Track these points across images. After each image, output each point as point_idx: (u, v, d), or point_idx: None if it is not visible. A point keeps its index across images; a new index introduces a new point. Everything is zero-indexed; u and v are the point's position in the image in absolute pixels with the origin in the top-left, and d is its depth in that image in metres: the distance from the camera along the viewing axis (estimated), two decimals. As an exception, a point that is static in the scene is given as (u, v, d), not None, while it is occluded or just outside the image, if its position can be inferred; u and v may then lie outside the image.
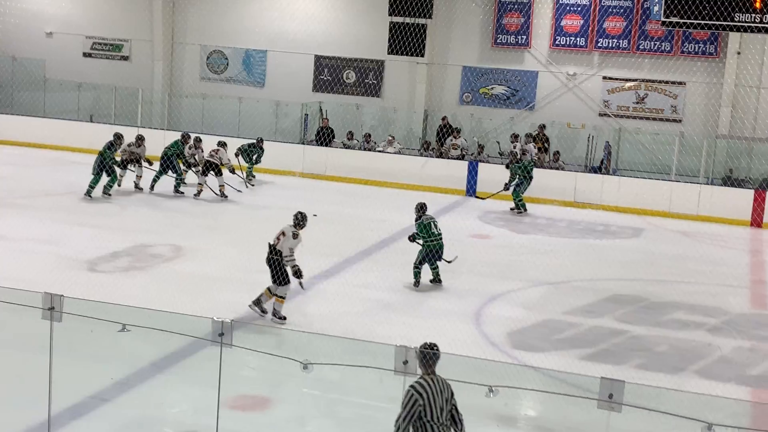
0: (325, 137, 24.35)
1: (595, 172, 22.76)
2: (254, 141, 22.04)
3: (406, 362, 5.98)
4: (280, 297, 11.26)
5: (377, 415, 8.20)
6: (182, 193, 19.72)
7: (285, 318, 11.21)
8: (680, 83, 23.86)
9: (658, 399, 8.00)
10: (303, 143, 24.74)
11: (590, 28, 24.36)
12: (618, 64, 24.39)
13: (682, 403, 8.16)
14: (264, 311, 11.35)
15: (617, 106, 24.47)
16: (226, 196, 19.51)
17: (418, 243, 13.51)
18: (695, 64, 23.68)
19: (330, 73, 26.89)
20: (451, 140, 23.79)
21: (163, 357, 9.52)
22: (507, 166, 20.48)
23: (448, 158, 23.43)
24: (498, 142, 23.71)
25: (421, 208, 13.83)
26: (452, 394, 6.42)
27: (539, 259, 16.13)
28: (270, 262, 11.24)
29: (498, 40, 25.32)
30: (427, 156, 23.69)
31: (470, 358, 8.73)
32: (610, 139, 23.61)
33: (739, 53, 22.87)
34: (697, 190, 21.34)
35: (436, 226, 13.48)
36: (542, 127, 23.85)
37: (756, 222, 20.60)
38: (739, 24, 19.24)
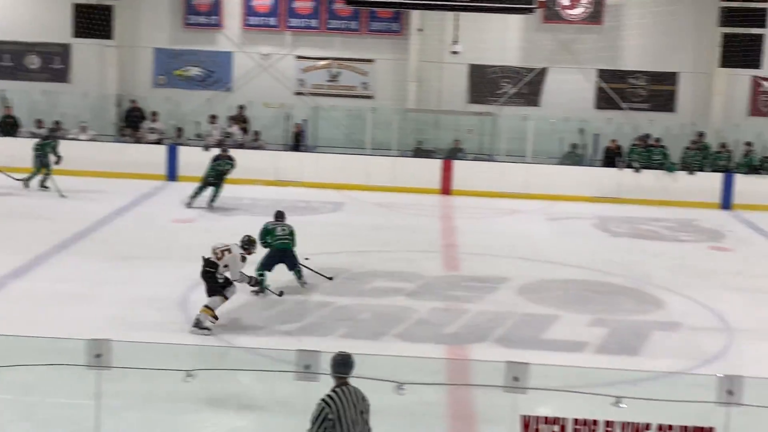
0: (9, 127, 22.92)
1: (294, 150, 23.16)
2: None
3: (99, 355, 5.72)
4: (209, 309, 11.01)
5: (78, 414, 7.89)
6: None
7: (210, 329, 10.92)
8: (369, 60, 24.76)
9: (360, 365, 8.37)
10: (-15, 135, 23.08)
11: (281, 8, 24.61)
12: (310, 43, 24.86)
13: (383, 366, 8.59)
14: (209, 329, 10.95)
15: (312, 84, 24.96)
16: None
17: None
18: (382, 41, 24.65)
19: (12, 59, 25.25)
20: (148, 124, 23.24)
21: None
22: (206, 148, 20.38)
23: (147, 143, 22.90)
24: (198, 123, 23.54)
25: (278, 215, 13.45)
26: (368, 407, 5.98)
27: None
28: (206, 275, 11.14)
29: (189, 21, 24.93)
30: (123, 142, 22.97)
31: (175, 345, 8.66)
32: (307, 117, 24.09)
33: (420, 30, 24.07)
34: (391, 163, 22.37)
35: (283, 229, 13.05)
36: (241, 107, 23.88)
37: (445, 189, 21.97)
38: (417, 2, 20.36)
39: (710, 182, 21.87)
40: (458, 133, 23.85)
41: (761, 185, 21.72)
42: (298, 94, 24.90)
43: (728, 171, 22.02)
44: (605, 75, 24.46)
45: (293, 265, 12.95)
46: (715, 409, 5.18)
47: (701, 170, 22.11)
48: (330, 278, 13.38)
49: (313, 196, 20.73)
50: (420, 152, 23.32)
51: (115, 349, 6.05)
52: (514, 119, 23.40)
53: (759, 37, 21.77)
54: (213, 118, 23.22)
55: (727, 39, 21.89)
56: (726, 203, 21.73)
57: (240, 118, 23.72)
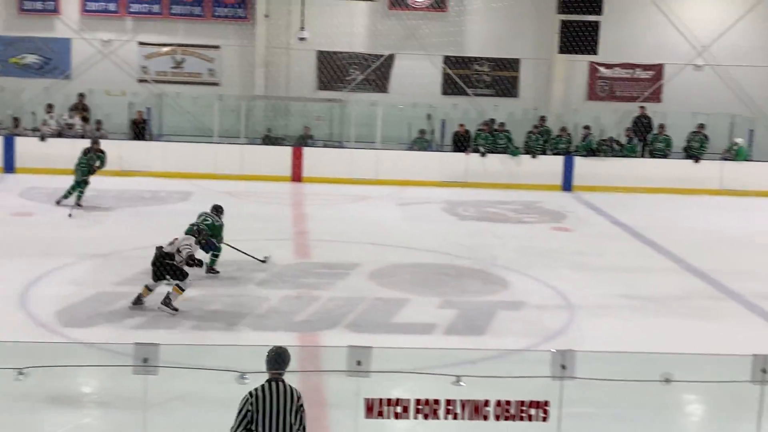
0: None
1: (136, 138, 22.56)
2: None
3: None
4: (181, 289, 11.37)
5: None
6: None
7: (177, 310, 11.25)
8: (215, 47, 24.38)
9: (211, 355, 8.26)
10: None
11: (121, -7, 23.93)
12: (153, 29, 24.26)
13: (232, 355, 8.49)
14: (175, 309, 11.28)
15: (156, 71, 24.39)
16: None
17: None
18: (228, 27, 24.31)
19: None
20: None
21: None
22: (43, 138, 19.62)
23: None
24: (33, 113, 22.63)
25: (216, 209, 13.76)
26: (302, 406, 5.72)
27: (87, 232, 15.78)
28: (161, 264, 11.40)
29: (25, 7, 23.89)
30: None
31: (15, 342, 8.32)
32: (152, 105, 23.52)
33: (267, 16, 23.88)
34: (239, 151, 22.12)
35: (205, 219, 13.24)
36: (81, 96, 23.10)
37: (295, 177, 21.91)
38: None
39: (552, 165, 22.62)
40: (307, 120, 23.84)
41: (599, 167, 22.62)
42: (142, 81, 24.30)
43: (568, 154, 22.82)
44: (451, 61, 24.92)
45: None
46: (549, 384, 5.37)
47: (543, 154, 22.85)
48: (263, 260, 13.53)
49: (159, 186, 20.30)
50: (269, 140, 23.16)
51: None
52: (363, 106, 23.55)
53: (596, 24, 22.60)
54: (50, 107, 22.40)
55: (566, 26, 22.65)
56: (567, 185, 22.54)
57: (80, 107, 22.93)
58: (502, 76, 25.06)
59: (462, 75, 24.93)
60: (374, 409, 5.14)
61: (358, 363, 5.12)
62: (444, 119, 23.84)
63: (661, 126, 23.54)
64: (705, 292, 13.55)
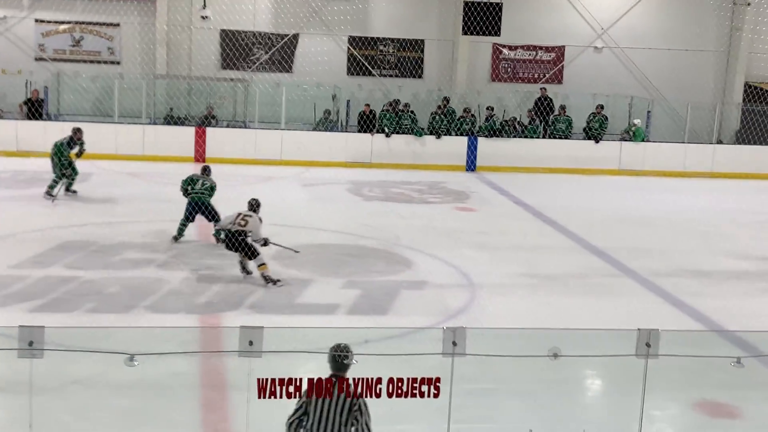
0: None
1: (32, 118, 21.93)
2: None
3: None
4: (263, 265, 11.94)
5: None
6: None
7: (279, 280, 12.00)
8: (115, 25, 23.86)
9: (108, 339, 8.16)
10: None
11: (15, -32, 23.20)
12: (50, 6, 23.61)
13: (132, 339, 8.41)
14: (278, 279, 12.05)
15: (53, 49, 23.77)
16: None
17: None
18: (128, 5, 23.82)
19: None
20: None
21: None
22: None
23: None
24: None
25: (204, 169, 14.53)
26: (359, 410, 5.49)
27: (-19, 215, 15.32)
28: (236, 245, 11.98)
29: None
30: None
31: None
32: (49, 84, 22.89)
33: (165, -7, 23.51)
34: (141, 131, 21.72)
35: (203, 183, 14.08)
36: (-26, 74, 22.40)
37: (198, 157, 21.62)
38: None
39: (456, 146, 22.85)
40: (211, 99, 23.54)
41: (502, 148, 22.95)
42: (39, 60, 23.63)
43: (472, 135, 23.09)
44: (356, 42, 24.91)
45: (211, 217, 13.92)
46: (442, 360, 5.46)
47: (448, 134, 23.06)
48: (297, 251, 13.23)
49: (58, 167, 19.75)
50: (172, 120, 22.80)
51: None
52: (268, 85, 23.37)
53: (499, 6, 22.86)
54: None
55: (469, 7, 22.83)
56: (471, 166, 22.82)
57: (-27, 86, 22.22)
58: (406, 57, 25.18)
59: (367, 55, 24.96)
60: (267, 389, 5.15)
61: (251, 343, 5.11)
62: (349, 99, 23.84)
63: (562, 107, 24.00)
64: (603, 270, 13.90)
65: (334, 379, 5.47)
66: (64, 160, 16.74)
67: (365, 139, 22.58)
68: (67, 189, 16.96)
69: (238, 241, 12.01)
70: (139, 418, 7.74)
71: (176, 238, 13.95)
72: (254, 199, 12.68)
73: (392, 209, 17.81)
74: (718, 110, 24.60)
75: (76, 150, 17.23)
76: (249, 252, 12.05)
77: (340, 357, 5.50)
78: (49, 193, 16.53)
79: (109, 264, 12.63)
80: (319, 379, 5.25)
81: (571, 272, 13.57)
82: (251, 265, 12.23)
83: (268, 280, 11.98)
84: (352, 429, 5.52)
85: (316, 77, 24.05)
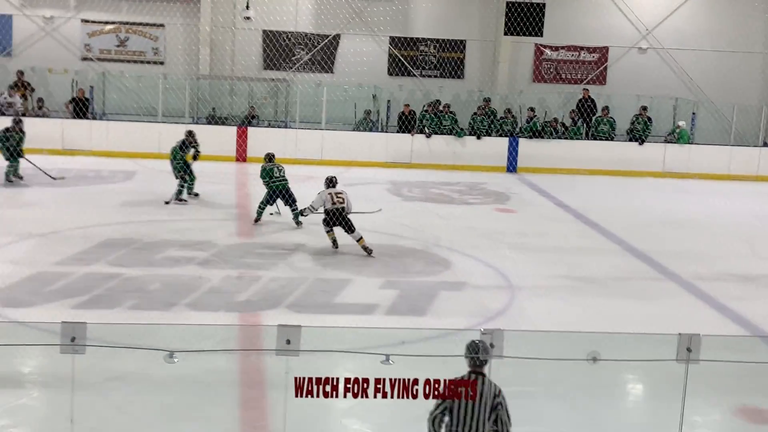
0: None
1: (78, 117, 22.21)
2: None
3: None
4: (361, 238, 13.51)
5: None
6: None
7: (372, 250, 13.49)
8: (159, 25, 24.10)
9: (149, 335, 8.23)
10: None
11: (63, -31, 23.53)
12: (96, 6, 23.91)
13: (174, 336, 8.47)
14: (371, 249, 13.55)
15: (99, 49, 24.06)
16: None
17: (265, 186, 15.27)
18: (173, 6, 24.05)
19: None
20: None
21: None
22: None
23: None
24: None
25: (270, 158, 15.66)
26: (500, 403, 5.55)
27: (27, 212, 15.55)
28: (341, 221, 13.47)
29: (-37, -19, 23.42)
30: None
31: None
32: (95, 84, 23.18)
33: (214, -5, 23.70)
34: (183, 130, 21.82)
35: (279, 170, 15.31)
36: (20, 73, 22.69)
37: (240, 157, 21.77)
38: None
39: (497, 147, 22.77)
40: (253, 100, 23.68)
41: (543, 149, 22.84)
42: (85, 59, 23.94)
43: (513, 136, 22.99)
44: (397, 42, 24.92)
45: (293, 201, 15.12)
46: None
47: (488, 135, 22.98)
48: (380, 210, 15.47)
49: (102, 165, 20.09)
50: (214, 119, 22.98)
51: None
52: (309, 86, 23.46)
53: (541, 6, 22.74)
54: (-8, 86, 22.01)
55: (511, 7, 22.73)
56: (511, 167, 22.72)
57: (20, 85, 22.53)
58: (447, 58, 25.14)
59: (408, 56, 24.95)
60: (303, 388, 5.17)
61: (288, 342, 5.13)
62: (389, 100, 23.85)
63: (605, 108, 23.80)
64: (645, 273, 13.76)
65: (474, 377, 5.46)
66: (178, 164, 16.92)
67: (405, 139, 22.58)
68: (188, 192, 17.15)
69: (342, 218, 13.48)
70: (178, 415, 7.81)
71: (257, 220, 15.24)
72: (332, 176, 14.01)
73: (431, 210, 17.80)
74: (764, 113, 24.22)
75: (191, 152, 17.42)
76: (350, 227, 13.45)
77: (476, 357, 5.47)
78: (179, 199, 16.75)
79: (151, 261, 12.76)
80: (463, 380, 5.37)
81: (612, 275, 13.46)
82: (350, 237, 13.53)
83: (367, 250, 13.43)
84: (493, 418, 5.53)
85: (356, 78, 24.09)
